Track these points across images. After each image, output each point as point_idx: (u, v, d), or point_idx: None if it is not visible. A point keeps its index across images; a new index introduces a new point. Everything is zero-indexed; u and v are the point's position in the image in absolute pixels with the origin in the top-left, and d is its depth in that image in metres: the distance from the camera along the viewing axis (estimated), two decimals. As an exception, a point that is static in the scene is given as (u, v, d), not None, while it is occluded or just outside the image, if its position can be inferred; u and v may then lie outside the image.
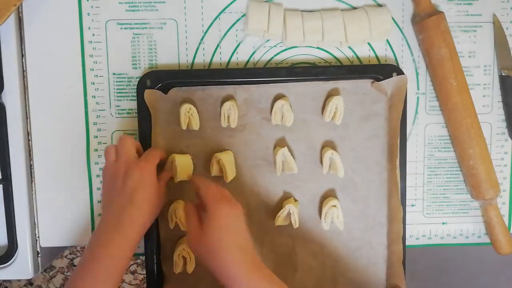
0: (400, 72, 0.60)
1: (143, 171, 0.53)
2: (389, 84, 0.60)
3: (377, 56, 0.64)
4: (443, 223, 0.66)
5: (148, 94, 0.59)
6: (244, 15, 0.62)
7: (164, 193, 0.57)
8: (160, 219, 0.61)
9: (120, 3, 0.61)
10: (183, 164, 0.59)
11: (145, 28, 0.62)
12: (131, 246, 0.52)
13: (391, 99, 0.60)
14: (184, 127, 0.59)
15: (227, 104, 0.59)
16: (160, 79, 0.60)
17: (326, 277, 0.62)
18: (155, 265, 0.61)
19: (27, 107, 0.63)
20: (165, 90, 0.60)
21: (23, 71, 0.62)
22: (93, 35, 0.62)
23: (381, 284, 0.63)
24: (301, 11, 0.61)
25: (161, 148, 0.61)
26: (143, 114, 0.60)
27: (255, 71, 0.62)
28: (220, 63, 0.63)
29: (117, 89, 0.62)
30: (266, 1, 0.61)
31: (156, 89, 0.60)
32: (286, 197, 0.62)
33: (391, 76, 0.60)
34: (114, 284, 0.50)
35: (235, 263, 0.48)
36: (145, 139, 0.60)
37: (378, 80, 0.60)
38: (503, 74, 0.64)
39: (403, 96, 0.60)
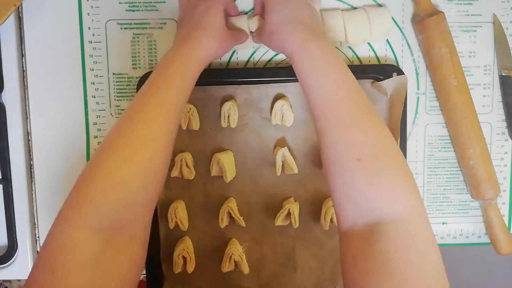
0: (400, 72, 0.60)
1: (209, 3, 0.53)
2: (389, 84, 0.60)
3: (377, 56, 0.64)
4: (443, 223, 0.66)
5: None
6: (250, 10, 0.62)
7: (230, 37, 0.56)
8: (160, 219, 0.61)
9: (120, 3, 0.61)
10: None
11: (145, 28, 0.62)
12: (197, 64, 0.50)
13: (391, 99, 0.60)
14: (184, 127, 0.59)
15: (227, 104, 0.59)
16: (160, 79, 0.60)
17: (326, 277, 0.62)
18: (155, 265, 0.61)
19: (27, 107, 0.63)
20: (165, 90, 0.60)
21: (23, 71, 0.62)
22: (93, 35, 0.62)
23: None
24: (301, 11, 0.61)
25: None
26: (143, 114, 0.60)
27: (255, 71, 0.62)
28: (220, 63, 0.63)
29: (117, 89, 0.62)
30: None
31: (156, 89, 0.59)
32: (286, 197, 0.62)
33: (391, 76, 0.60)
34: (183, 99, 0.48)
35: (291, 33, 0.49)
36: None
37: (378, 80, 0.60)
38: (503, 74, 0.64)
39: (403, 96, 0.60)
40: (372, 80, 0.61)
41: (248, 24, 0.59)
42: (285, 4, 0.51)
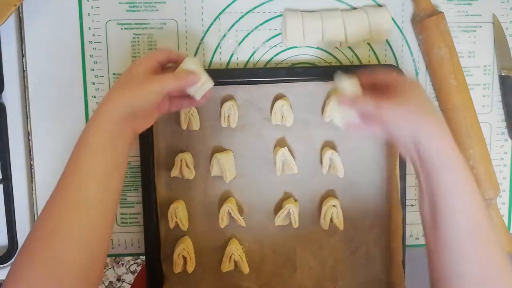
0: (400, 73, 0.60)
1: (135, 62, 0.49)
2: None
3: (377, 57, 0.64)
4: (443, 223, 0.66)
5: None
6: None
7: (160, 82, 0.47)
8: (160, 219, 0.61)
9: (120, 3, 0.61)
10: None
11: (145, 28, 0.62)
12: (106, 120, 0.45)
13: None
14: (184, 127, 0.59)
15: (227, 104, 0.59)
16: (160, 79, 0.60)
17: (325, 277, 0.62)
18: (155, 264, 0.61)
19: (27, 107, 0.63)
20: (165, 90, 0.60)
21: (23, 71, 0.62)
22: (93, 35, 0.62)
23: (380, 284, 0.63)
24: (301, 11, 0.61)
25: (161, 148, 0.61)
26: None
27: (256, 71, 0.62)
28: (220, 63, 0.63)
29: (117, 89, 0.62)
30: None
31: (157, 89, 0.60)
32: (286, 197, 0.62)
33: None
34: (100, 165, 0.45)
35: (439, 134, 0.47)
36: (145, 138, 0.60)
37: (378, 80, 0.60)
38: (503, 74, 0.64)
39: None
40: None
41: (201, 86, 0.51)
42: (422, 91, 0.49)
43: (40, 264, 0.41)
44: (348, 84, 0.49)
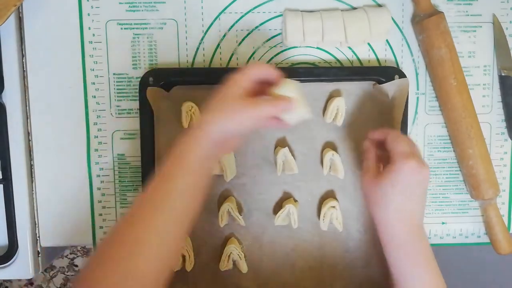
0: (402, 75, 0.61)
1: (232, 81, 0.47)
2: (391, 86, 0.60)
3: (377, 57, 0.64)
4: (443, 223, 0.66)
5: (151, 92, 0.59)
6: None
7: (255, 107, 0.46)
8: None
9: (120, 3, 0.61)
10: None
11: (145, 28, 0.62)
12: (199, 147, 0.46)
13: (393, 102, 0.60)
14: (185, 125, 0.59)
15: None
16: (163, 77, 0.60)
17: (324, 277, 0.62)
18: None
19: (27, 107, 0.63)
20: (167, 88, 0.60)
21: (24, 71, 0.62)
22: (93, 35, 0.62)
23: (378, 285, 0.63)
24: (301, 11, 0.61)
25: (162, 147, 0.61)
26: (145, 112, 0.60)
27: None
28: (220, 63, 0.63)
29: (117, 89, 0.62)
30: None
31: (158, 87, 0.60)
32: (286, 197, 0.62)
33: (393, 79, 0.60)
34: (188, 194, 0.46)
35: (399, 223, 0.49)
36: (146, 136, 0.60)
37: (380, 82, 0.60)
38: (503, 74, 0.64)
39: (405, 98, 0.60)
40: (374, 82, 0.61)
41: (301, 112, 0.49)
42: (411, 184, 0.49)
43: (118, 273, 0.42)
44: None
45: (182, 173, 0.46)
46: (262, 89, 0.49)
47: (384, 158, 0.52)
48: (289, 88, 0.48)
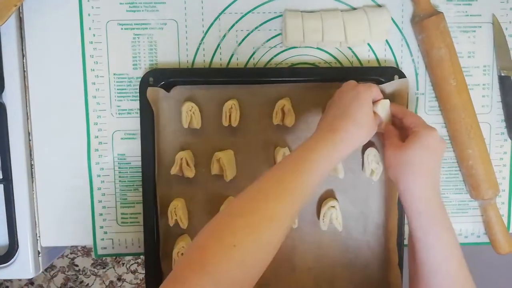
0: (401, 75, 0.61)
1: (359, 90, 0.52)
2: (390, 87, 0.60)
3: (376, 57, 0.64)
4: (443, 223, 0.66)
5: (151, 92, 0.59)
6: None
7: (376, 125, 0.54)
8: (159, 217, 0.61)
9: (120, 3, 0.62)
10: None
11: (146, 28, 0.62)
12: (339, 153, 0.49)
13: (393, 102, 0.60)
14: (185, 125, 0.60)
15: (229, 104, 0.59)
16: (163, 77, 0.60)
17: (324, 277, 0.62)
18: (154, 262, 0.61)
19: (27, 107, 0.63)
20: (167, 88, 0.60)
21: (24, 71, 0.62)
22: (94, 35, 0.62)
23: (377, 284, 0.63)
24: (301, 11, 0.61)
25: (162, 146, 0.61)
26: (145, 112, 0.60)
27: (258, 71, 0.62)
28: (220, 64, 0.63)
29: (117, 89, 0.63)
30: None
31: (158, 87, 0.60)
32: (286, 197, 0.62)
33: (393, 79, 0.60)
34: (314, 186, 0.48)
35: (422, 188, 0.51)
36: (146, 136, 0.60)
37: (380, 82, 0.61)
38: (502, 75, 0.64)
39: (405, 99, 0.60)
40: (374, 82, 0.61)
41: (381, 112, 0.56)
42: (435, 152, 0.52)
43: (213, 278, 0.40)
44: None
45: (315, 180, 0.48)
46: None
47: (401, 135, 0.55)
48: (385, 107, 0.56)
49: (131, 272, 1.58)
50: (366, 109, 0.52)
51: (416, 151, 0.51)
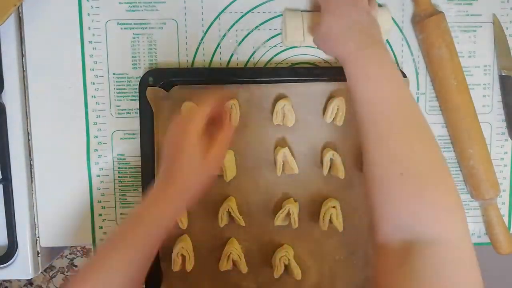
0: (402, 75, 0.60)
1: (186, 136, 0.46)
2: None
3: (377, 56, 0.64)
4: (443, 223, 0.66)
5: (151, 91, 0.59)
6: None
7: (218, 156, 0.49)
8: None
9: (120, 3, 0.61)
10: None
11: (145, 28, 0.62)
12: (167, 219, 0.47)
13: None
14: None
15: (229, 103, 0.59)
16: (163, 77, 0.60)
17: (324, 277, 0.62)
18: (153, 263, 0.61)
19: (27, 107, 0.63)
20: (167, 88, 0.60)
21: (23, 71, 0.62)
22: (93, 35, 0.62)
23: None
24: (301, 11, 0.61)
25: (162, 147, 0.60)
26: (145, 111, 0.60)
27: (258, 71, 0.62)
28: (220, 63, 0.63)
29: (117, 89, 0.62)
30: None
31: (158, 87, 0.60)
32: (286, 197, 0.62)
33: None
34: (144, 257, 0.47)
35: (345, 39, 0.47)
36: (146, 136, 0.60)
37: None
38: (503, 74, 0.64)
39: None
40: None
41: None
42: (342, 7, 0.49)
43: None
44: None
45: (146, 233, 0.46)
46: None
47: None
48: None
49: (131, 272, 1.58)
50: (192, 153, 0.46)
51: (324, 17, 0.50)
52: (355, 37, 0.47)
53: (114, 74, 0.62)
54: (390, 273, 0.39)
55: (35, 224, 0.64)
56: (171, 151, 0.48)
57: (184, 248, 0.59)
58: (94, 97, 0.62)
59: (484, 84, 0.65)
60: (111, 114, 0.63)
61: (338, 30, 0.49)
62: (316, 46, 0.55)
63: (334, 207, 0.60)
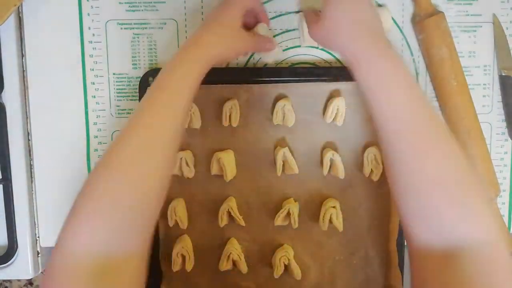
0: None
1: (229, 6, 0.51)
2: None
3: (377, 56, 0.64)
4: (443, 223, 0.66)
5: None
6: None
7: (244, 39, 0.53)
8: (159, 217, 0.61)
9: (120, 3, 0.61)
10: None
11: (145, 28, 0.62)
12: (198, 64, 0.47)
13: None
14: (185, 125, 0.59)
15: (229, 103, 0.59)
16: (161, 78, 0.60)
17: (324, 277, 0.62)
18: (153, 263, 0.61)
19: (27, 107, 0.63)
20: (165, 89, 0.60)
21: (23, 71, 0.62)
22: (93, 35, 0.62)
23: (378, 286, 0.63)
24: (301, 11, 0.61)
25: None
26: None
27: (258, 71, 0.62)
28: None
29: (117, 89, 0.62)
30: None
31: (157, 87, 0.60)
32: (286, 197, 0.62)
33: None
34: (182, 104, 0.45)
35: (355, 37, 0.45)
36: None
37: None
38: (503, 74, 0.64)
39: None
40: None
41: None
42: (348, 2, 0.47)
43: (103, 201, 0.40)
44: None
45: (167, 98, 0.45)
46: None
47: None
48: (264, 30, 0.58)
49: (131, 272, 1.58)
50: (228, 18, 0.50)
51: (331, 13, 0.47)
52: (365, 36, 0.45)
53: (114, 74, 0.62)
54: (432, 280, 0.39)
55: (35, 224, 0.64)
56: (214, 13, 0.51)
57: (184, 248, 0.59)
58: (94, 97, 0.62)
59: (484, 84, 0.65)
60: (111, 114, 0.63)
61: (344, 26, 0.46)
62: (313, 39, 0.53)
63: (334, 207, 0.60)
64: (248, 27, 0.58)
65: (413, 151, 0.42)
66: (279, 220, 0.60)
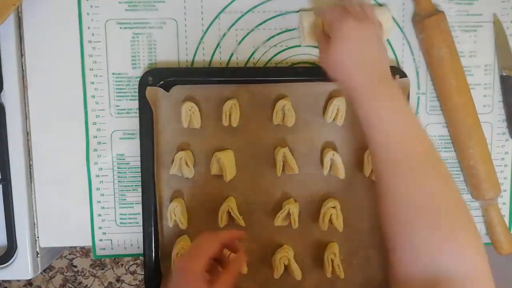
0: (402, 74, 0.60)
1: (186, 275, 0.45)
2: None
3: (377, 56, 0.63)
4: (444, 223, 0.66)
5: (150, 91, 0.59)
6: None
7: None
8: (159, 218, 0.61)
9: (119, 2, 0.61)
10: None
11: (145, 27, 0.62)
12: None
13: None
14: (185, 125, 0.59)
15: (229, 103, 0.59)
16: (162, 77, 0.60)
17: (324, 277, 0.62)
18: (153, 264, 0.61)
19: (26, 107, 0.63)
20: (166, 88, 0.60)
21: (23, 71, 0.62)
22: (93, 34, 0.62)
23: (378, 286, 0.62)
24: (301, 10, 0.61)
25: (162, 146, 0.60)
26: (144, 111, 0.60)
27: (258, 70, 0.62)
28: (220, 63, 0.63)
29: (116, 89, 0.62)
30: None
31: (158, 86, 0.59)
32: (286, 197, 0.62)
33: (394, 78, 0.60)
34: None
35: (354, 74, 0.48)
36: (145, 136, 0.60)
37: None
38: (504, 74, 0.64)
39: (406, 98, 0.59)
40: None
41: None
42: (355, 37, 0.49)
43: None
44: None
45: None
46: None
47: None
48: None
49: (130, 273, 1.58)
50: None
51: (336, 48, 0.49)
52: (367, 72, 0.48)
53: (113, 74, 0.62)
54: None
55: (34, 224, 0.64)
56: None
57: (183, 248, 0.59)
58: (94, 97, 0.62)
59: (484, 84, 0.65)
60: (110, 114, 0.63)
61: (349, 62, 0.48)
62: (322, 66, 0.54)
63: (334, 207, 0.60)
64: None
65: (404, 179, 0.44)
66: (279, 221, 0.60)
